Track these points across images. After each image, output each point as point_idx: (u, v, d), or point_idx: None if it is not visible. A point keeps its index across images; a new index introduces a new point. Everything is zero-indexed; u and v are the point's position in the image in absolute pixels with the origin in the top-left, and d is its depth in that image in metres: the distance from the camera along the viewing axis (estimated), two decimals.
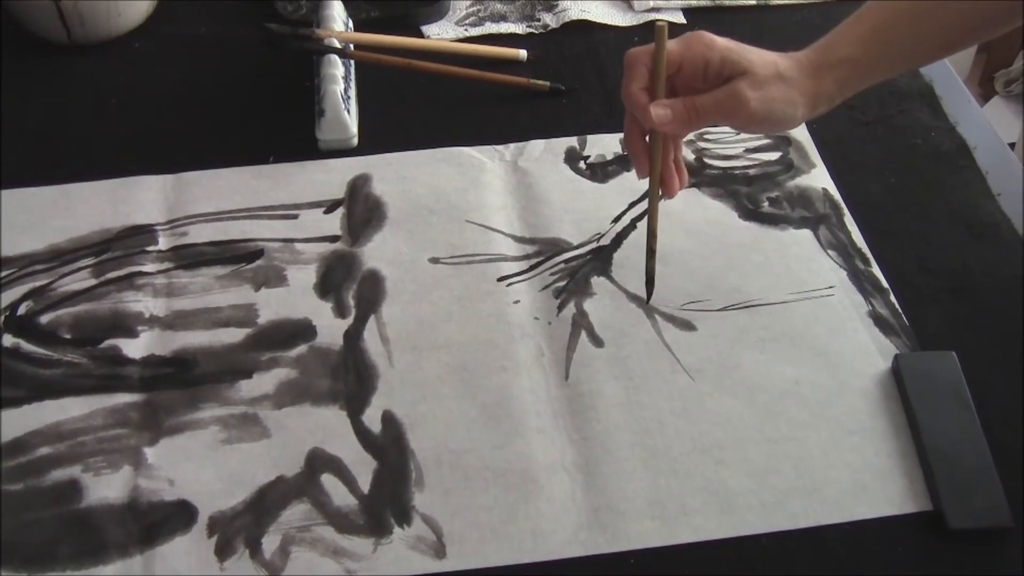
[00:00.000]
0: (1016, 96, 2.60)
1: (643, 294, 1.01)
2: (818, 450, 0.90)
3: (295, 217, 1.08)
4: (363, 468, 0.88)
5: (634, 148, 0.94)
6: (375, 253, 1.05)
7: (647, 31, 1.34)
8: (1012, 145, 1.93)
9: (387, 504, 0.86)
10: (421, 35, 1.32)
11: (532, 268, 1.04)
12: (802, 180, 1.14)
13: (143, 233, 1.06)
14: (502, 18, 1.35)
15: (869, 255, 1.06)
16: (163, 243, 1.05)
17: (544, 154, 1.16)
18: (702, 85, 0.89)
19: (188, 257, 1.04)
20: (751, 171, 1.14)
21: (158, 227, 1.07)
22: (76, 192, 1.10)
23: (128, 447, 0.89)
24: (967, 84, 2.03)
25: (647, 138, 0.93)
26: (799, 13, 1.38)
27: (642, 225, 1.08)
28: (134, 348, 0.97)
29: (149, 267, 1.03)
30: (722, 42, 0.89)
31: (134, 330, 0.98)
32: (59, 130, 1.18)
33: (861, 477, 0.88)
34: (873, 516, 0.86)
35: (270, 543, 0.83)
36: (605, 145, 1.17)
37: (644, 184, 1.08)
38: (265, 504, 0.86)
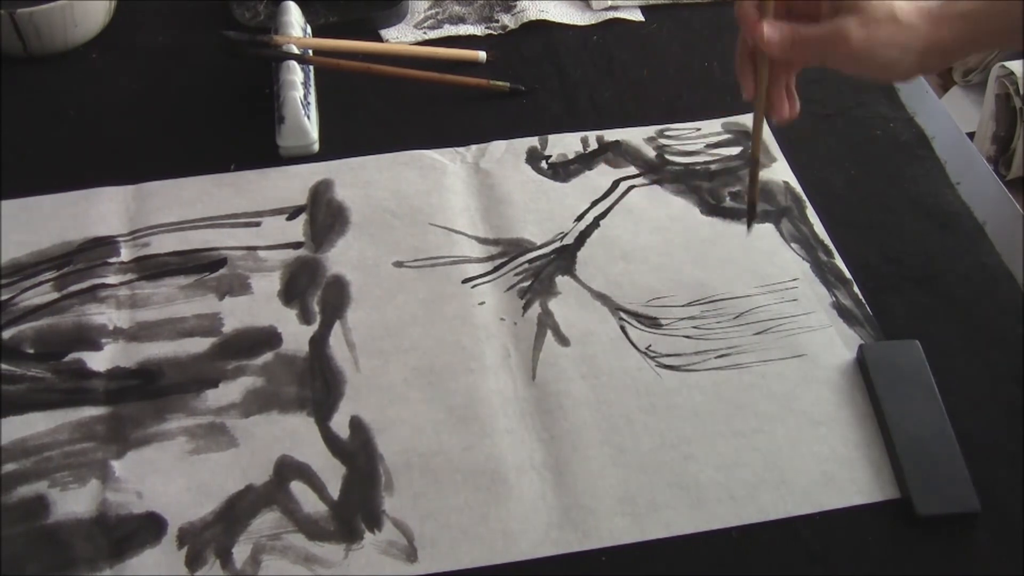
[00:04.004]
0: (974, 86, 2.62)
1: (608, 292, 1.01)
2: (786, 442, 0.90)
3: (258, 225, 1.08)
4: (332, 474, 0.88)
5: (742, 68, 0.89)
6: (339, 258, 1.05)
7: (606, 31, 1.34)
8: (971, 135, 1.94)
9: (357, 509, 0.86)
10: (380, 39, 1.32)
11: (496, 269, 1.04)
12: (763, 174, 1.14)
13: (105, 245, 1.06)
14: (460, 20, 1.35)
15: (832, 247, 1.06)
16: (125, 254, 1.05)
17: (505, 155, 1.16)
18: (814, 9, 0.85)
19: (151, 268, 1.04)
20: (712, 166, 1.15)
21: (120, 238, 1.06)
22: (36, 205, 1.09)
23: (95, 461, 0.89)
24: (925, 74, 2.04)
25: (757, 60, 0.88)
26: None
27: (605, 223, 1.08)
28: (98, 361, 0.96)
29: (112, 279, 1.02)
30: None
31: (98, 343, 0.97)
32: (18, 143, 1.17)
33: (829, 467, 0.89)
34: (842, 506, 0.86)
35: (241, 553, 0.83)
36: (566, 144, 1.17)
37: (606, 182, 1.09)
38: (235, 513, 0.86)
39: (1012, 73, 2.37)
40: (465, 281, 1.03)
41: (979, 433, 0.90)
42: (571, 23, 1.35)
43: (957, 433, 0.89)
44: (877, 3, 0.83)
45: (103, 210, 1.09)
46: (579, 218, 1.09)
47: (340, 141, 1.17)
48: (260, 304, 1.01)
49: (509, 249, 1.06)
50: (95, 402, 0.93)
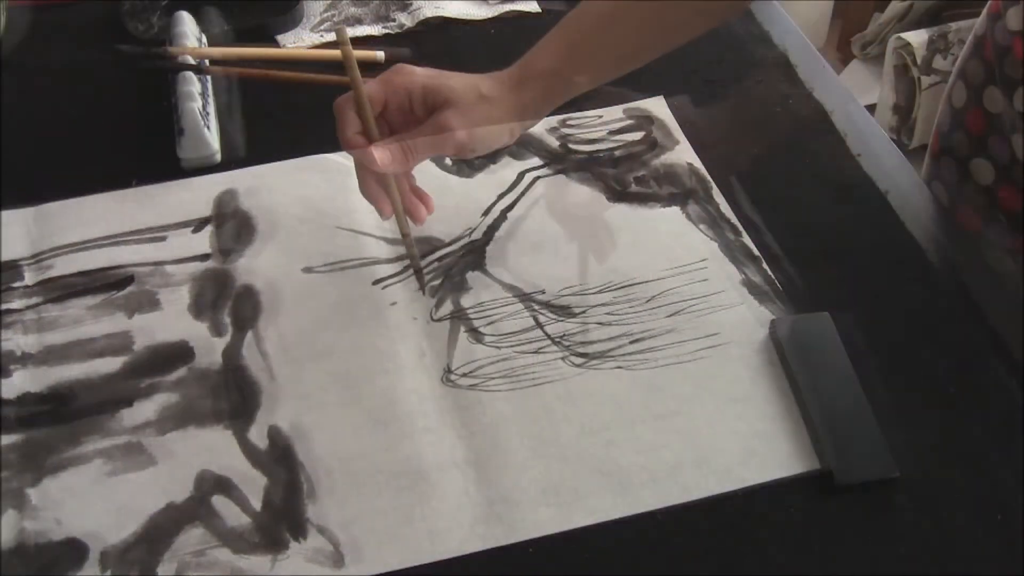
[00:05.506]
0: (873, 59, 2.66)
1: (520, 284, 1.01)
2: (705, 421, 0.91)
3: (163, 239, 1.07)
4: (254, 486, 0.87)
5: (370, 193, 0.96)
6: (247, 268, 1.04)
7: (503, 24, 1.34)
8: (871, 107, 1.97)
9: (281, 519, 0.85)
10: (276, 45, 1.30)
11: (406, 269, 1.03)
12: (667, 157, 1.15)
13: (7, 269, 1.04)
14: (357, 21, 1.34)
15: (739, 225, 1.07)
16: (29, 278, 1.03)
17: None
18: (412, 117, 0.93)
19: (56, 290, 1.02)
20: (616, 152, 1.15)
21: (22, 262, 1.04)
22: None
23: (10, 490, 0.87)
24: (826, 49, 2.06)
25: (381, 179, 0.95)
26: None
27: (512, 216, 1.08)
28: (8, 387, 0.94)
29: (16, 303, 1.01)
30: (422, 72, 0.92)
31: (6, 369, 0.95)
32: None
33: (749, 443, 0.89)
34: (764, 480, 0.87)
35: (165, 572, 0.82)
36: None
37: (511, 174, 1.09)
38: (157, 533, 0.84)
39: (908, 44, 2.42)
40: (376, 283, 1.02)
41: (892, 400, 0.92)
42: (468, 18, 1.35)
43: (871, 401, 0.90)
44: (463, 89, 0.91)
45: (4, 234, 1.07)
46: (486, 212, 1.09)
47: (242, 150, 1.16)
48: (170, 319, 1.00)
49: (418, 248, 1.05)
50: (7, 430, 0.91)
